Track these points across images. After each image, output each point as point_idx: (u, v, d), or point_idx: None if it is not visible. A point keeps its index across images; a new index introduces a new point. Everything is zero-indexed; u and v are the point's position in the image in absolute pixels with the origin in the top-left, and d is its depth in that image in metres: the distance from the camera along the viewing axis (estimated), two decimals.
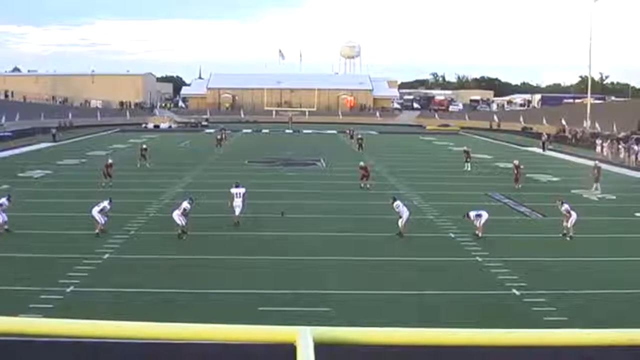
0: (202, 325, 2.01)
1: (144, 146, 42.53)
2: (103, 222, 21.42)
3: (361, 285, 16.30)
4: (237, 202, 23.14)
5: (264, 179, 34.86)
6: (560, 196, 24.75)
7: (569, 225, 21.71)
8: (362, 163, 34.50)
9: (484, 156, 49.94)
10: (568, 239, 21.50)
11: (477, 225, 21.78)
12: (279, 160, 45.02)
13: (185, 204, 21.64)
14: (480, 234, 21.51)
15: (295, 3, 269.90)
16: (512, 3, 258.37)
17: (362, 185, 32.21)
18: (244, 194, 23.34)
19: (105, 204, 21.78)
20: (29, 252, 18.92)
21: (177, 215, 21.31)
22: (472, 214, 22.07)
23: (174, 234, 21.13)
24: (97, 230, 21.22)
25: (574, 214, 21.74)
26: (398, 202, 22.20)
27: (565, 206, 22.17)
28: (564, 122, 67.45)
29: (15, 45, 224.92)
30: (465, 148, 43.36)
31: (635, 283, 16.66)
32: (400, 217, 21.70)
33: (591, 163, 37.52)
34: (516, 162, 34.36)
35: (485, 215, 21.88)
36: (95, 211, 21.43)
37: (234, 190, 23.51)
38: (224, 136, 57.84)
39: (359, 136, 56.24)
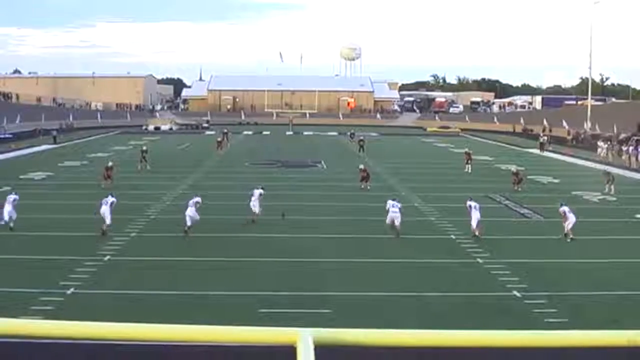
0: (203, 327, 2.01)
1: (144, 148, 42.52)
2: (109, 221, 21.58)
3: (362, 287, 16.30)
4: (254, 203, 23.95)
5: (264, 181, 34.79)
6: (562, 198, 24.76)
7: (567, 228, 21.75)
8: (361, 166, 34.67)
9: (484, 158, 49.96)
10: (568, 240, 21.50)
11: (474, 225, 21.89)
12: (280, 162, 45.04)
13: (197, 199, 22.44)
14: (479, 234, 21.62)
15: (296, 5, 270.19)
16: (513, 5, 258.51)
17: (362, 186, 32.27)
18: (259, 195, 24.18)
19: (112, 199, 22.30)
20: (30, 253, 18.93)
21: (192, 212, 21.91)
22: (471, 204, 22.43)
23: (175, 235, 21.21)
24: (104, 228, 21.46)
25: (571, 217, 21.75)
26: (390, 202, 22.57)
27: (563, 208, 22.24)
28: (565, 124, 67.46)
29: (16, 48, 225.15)
30: (466, 150, 43.43)
31: (635, 284, 16.65)
32: (393, 221, 21.97)
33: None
34: (513, 168, 34.48)
35: (477, 213, 22.08)
36: (104, 209, 21.76)
37: (256, 192, 24.43)
38: (225, 138, 57.75)
39: (360, 138, 56.25)
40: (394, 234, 21.74)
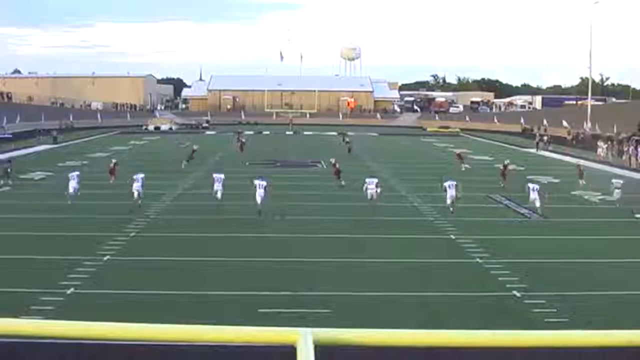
0: (203, 327, 2.01)
1: (195, 148, 43.71)
2: (137, 195, 25.50)
3: (361, 287, 16.29)
4: (260, 192, 25.10)
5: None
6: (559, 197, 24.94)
7: (529, 200, 25.78)
8: (332, 160, 35.00)
9: (484, 158, 49.97)
10: (539, 214, 25.24)
11: (448, 202, 25.30)
12: (280, 162, 45.03)
13: (221, 175, 27.03)
14: (452, 210, 25.03)
15: (295, 5, 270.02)
16: (513, 5, 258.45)
17: (343, 183, 32.08)
18: (265, 186, 25.48)
19: (141, 175, 26.37)
20: (30, 253, 18.92)
21: (219, 187, 26.32)
22: (445, 184, 26.07)
23: (175, 235, 21.29)
24: (138, 203, 25.42)
25: (531, 195, 25.60)
26: (367, 180, 26.50)
27: (528, 185, 26.50)
28: (565, 123, 67.48)
29: (16, 47, 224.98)
30: (458, 151, 43.92)
31: (635, 284, 16.66)
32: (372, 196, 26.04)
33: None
34: (507, 161, 35.95)
35: (451, 191, 25.59)
36: (136, 185, 25.69)
37: (256, 182, 25.71)
38: (241, 139, 56.43)
39: (347, 139, 56.02)
40: (372, 206, 25.69)
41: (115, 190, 30.24)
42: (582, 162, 39.44)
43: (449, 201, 25.54)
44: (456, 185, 26.07)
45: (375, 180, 26.92)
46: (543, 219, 25.45)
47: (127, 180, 26.92)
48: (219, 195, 26.46)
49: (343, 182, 32.11)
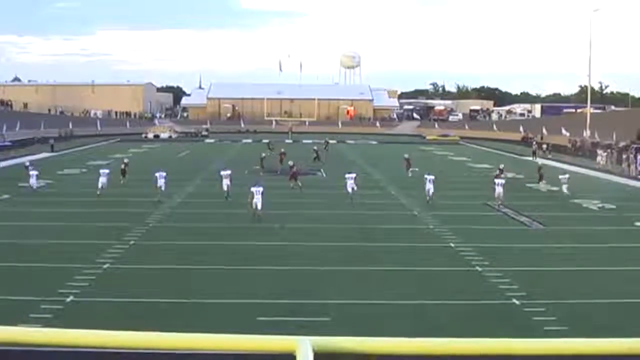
0: (201, 335, 2.01)
1: (263, 155, 46.44)
2: (164, 189, 29.25)
3: (361, 295, 16.27)
4: (257, 198, 25.58)
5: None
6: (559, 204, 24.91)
7: (495, 195, 29.22)
8: (290, 162, 36.85)
9: (483, 166, 49.99)
10: (497, 205, 28.82)
11: (428, 194, 29.08)
12: (279, 170, 44.99)
13: (229, 171, 30.32)
14: (429, 201, 29.01)
15: (295, 13, 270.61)
16: (512, 13, 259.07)
17: (292, 185, 34.12)
18: (262, 192, 25.85)
19: (164, 173, 29.65)
20: (29, 261, 18.90)
21: (228, 182, 29.44)
22: (426, 177, 30.13)
23: (174, 243, 21.27)
24: (159, 198, 28.71)
25: (497, 188, 29.08)
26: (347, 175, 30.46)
27: (495, 179, 30.11)
28: (564, 131, 67.55)
29: (16, 55, 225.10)
30: (405, 156, 44.40)
31: (635, 292, 16.63)
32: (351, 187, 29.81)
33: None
34: (501, 166, 37.86)
35: (429, 185, 29.53)
36: (161, 182, 29.28)
37: (253, 189, 25.87)
38: (280, 150, 53.51)
39: (314, 147, 56.04)
40: (350, 199, 29.47)
41: (115, 197, 30.27)
42: (542, 162, 45.81)
43: (427, 191, 29.69)
44: (434, 180, 29.89)
45: (354, 175, 30.86)
46: (543, 227, 25.46)
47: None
48: (225, 187, 29.70)
49: (300, 184, 34.20)
